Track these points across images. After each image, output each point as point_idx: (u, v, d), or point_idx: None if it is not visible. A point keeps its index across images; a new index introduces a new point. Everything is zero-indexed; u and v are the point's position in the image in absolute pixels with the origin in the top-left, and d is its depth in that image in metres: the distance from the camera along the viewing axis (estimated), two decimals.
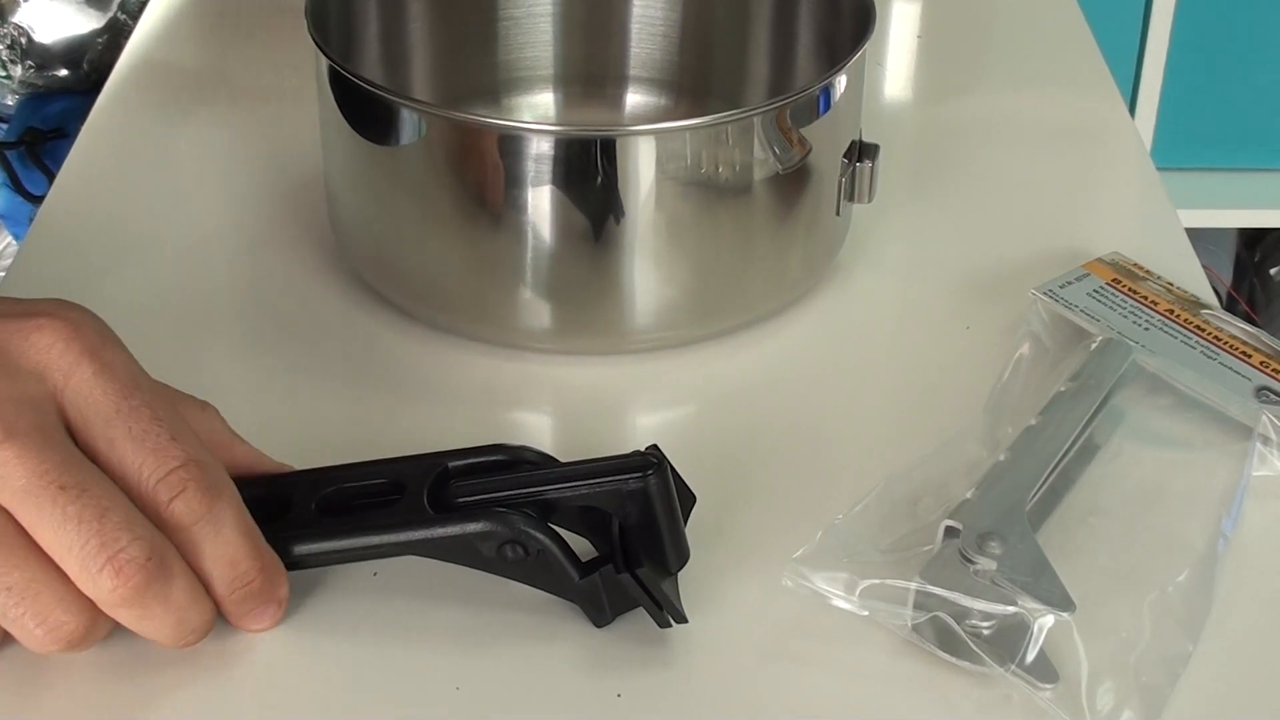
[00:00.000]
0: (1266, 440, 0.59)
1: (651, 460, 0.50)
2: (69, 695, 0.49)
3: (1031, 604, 0.50)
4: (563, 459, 0.53)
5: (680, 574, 0.52)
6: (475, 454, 0.53)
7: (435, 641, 0.52)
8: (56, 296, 0.51)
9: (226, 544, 0.48)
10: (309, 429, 0.60)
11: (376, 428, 0.61)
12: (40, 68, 1.61)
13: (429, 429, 0.60)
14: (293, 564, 0.51)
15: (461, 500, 0.51)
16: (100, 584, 0.46)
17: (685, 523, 0.52)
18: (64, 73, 1.61)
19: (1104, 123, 0.84)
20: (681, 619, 0.51)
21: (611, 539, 0.51)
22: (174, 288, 0.69)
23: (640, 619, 0.51)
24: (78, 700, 0.49)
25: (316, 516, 0.51)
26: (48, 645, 0.47)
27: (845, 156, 0.66)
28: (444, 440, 0.54)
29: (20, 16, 1.59)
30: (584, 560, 0.51)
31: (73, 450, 0.46)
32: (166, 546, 0.47)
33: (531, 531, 0.49)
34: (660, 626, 0.51)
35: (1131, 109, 1.68)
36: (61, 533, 0.45)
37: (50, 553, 0.46)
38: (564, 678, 0.50)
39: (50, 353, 0.47)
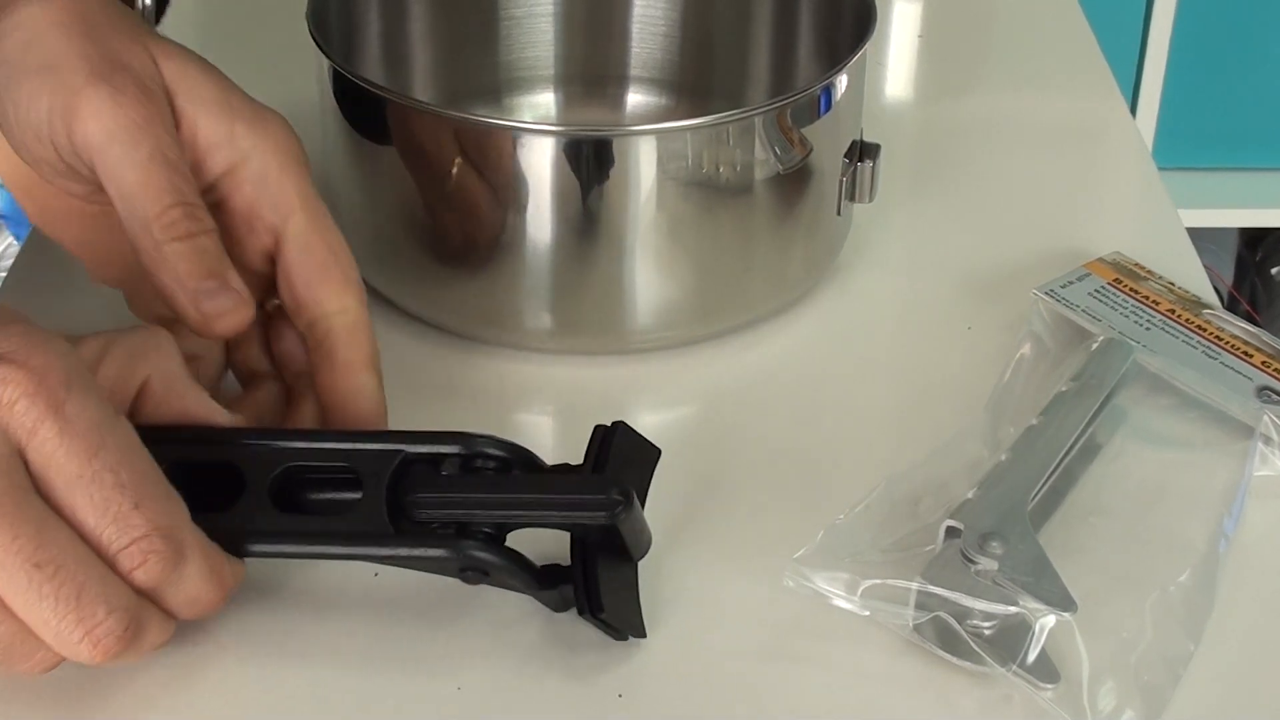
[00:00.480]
0: (1268, 440, 0.59)
1: (617, 499, 0.49)
2: (51, 701, 0.49)
3: (1033, 604, 0.50)
4: (562, 460, 0.52)
5: (681, 574, 0.52)
6: (433, 441, 0.51)
7: (436, 641, 0.51)
8: (54, 297, 0.50)
9: (189, 595, 0.48)
10: None
11: None
12: None
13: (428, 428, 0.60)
14: (246, 556, 0.50)
15: (422, 514, 0.50)
16: (79, 653, 0.45)
17: (650, 478, 0.52)
18: None
19: (1105, 122, 0.84)
20: (640, 634, 0.51)
21: (574, 580, 0.50)
22: None
23: None
24: (72, 705, 0.49)
25: (271, 506, 0.50)
26: (32, 673, 0.47)
27: (846, 156, 0.66)
28: None
29: None
30: (543, 565, 0.50)
31: (45, 515, 0.45)
32: (141, 606, 0.46)
33: (490, 558, 0.49)
34: (615, 639, 0.51)
35: (1133, 108, 1.68)
36: (38, 608, 0.45)
37: (25, 620, 0.45)
38: (565, 677, 0.50)
39: (13, 410, 0.45)
